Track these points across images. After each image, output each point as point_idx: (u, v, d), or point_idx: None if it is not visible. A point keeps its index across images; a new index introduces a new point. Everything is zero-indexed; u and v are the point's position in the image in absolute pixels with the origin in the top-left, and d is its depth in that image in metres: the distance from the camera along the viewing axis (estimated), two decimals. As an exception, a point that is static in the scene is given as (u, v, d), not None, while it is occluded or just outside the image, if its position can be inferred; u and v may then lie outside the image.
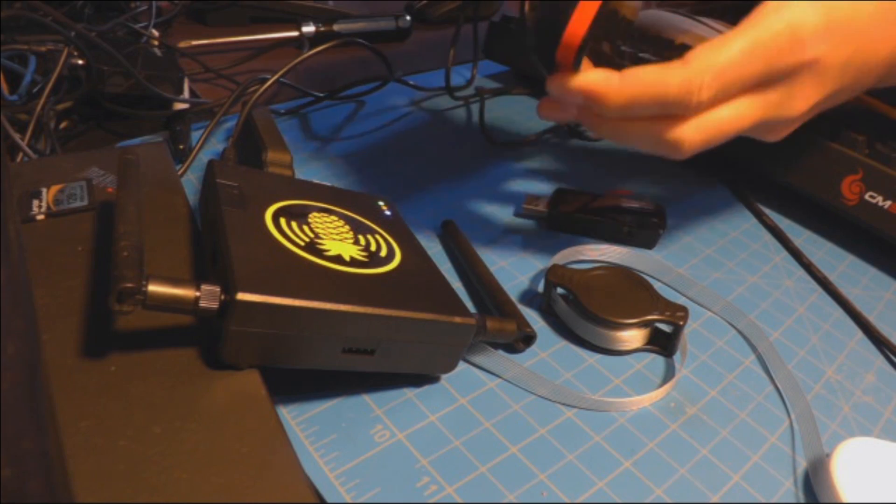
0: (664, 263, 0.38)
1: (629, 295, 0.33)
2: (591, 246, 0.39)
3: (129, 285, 0.21)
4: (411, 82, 0.56)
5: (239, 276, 0.23)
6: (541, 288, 0.36)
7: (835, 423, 0.31)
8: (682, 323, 0.32)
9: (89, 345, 0.25)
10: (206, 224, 0.30)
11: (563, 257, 0.38)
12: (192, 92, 0.51)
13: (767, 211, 0.45)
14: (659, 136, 0.30)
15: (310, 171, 0.45)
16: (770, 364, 0.33)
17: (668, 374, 0.32)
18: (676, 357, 0.33)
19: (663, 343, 0.33)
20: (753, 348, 0.34)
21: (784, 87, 0.30)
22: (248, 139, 0.41)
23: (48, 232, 0.30)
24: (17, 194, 0.32)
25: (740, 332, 0.35)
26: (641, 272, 0.39)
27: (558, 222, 0.41)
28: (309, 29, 0.64)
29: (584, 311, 0.32)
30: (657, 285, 0.38)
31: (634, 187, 0.47)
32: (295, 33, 0.63)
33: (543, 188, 0.45)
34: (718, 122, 0.30)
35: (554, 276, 0.34)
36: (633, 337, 0.32)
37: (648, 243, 0.40)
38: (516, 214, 0.43)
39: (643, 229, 0.40)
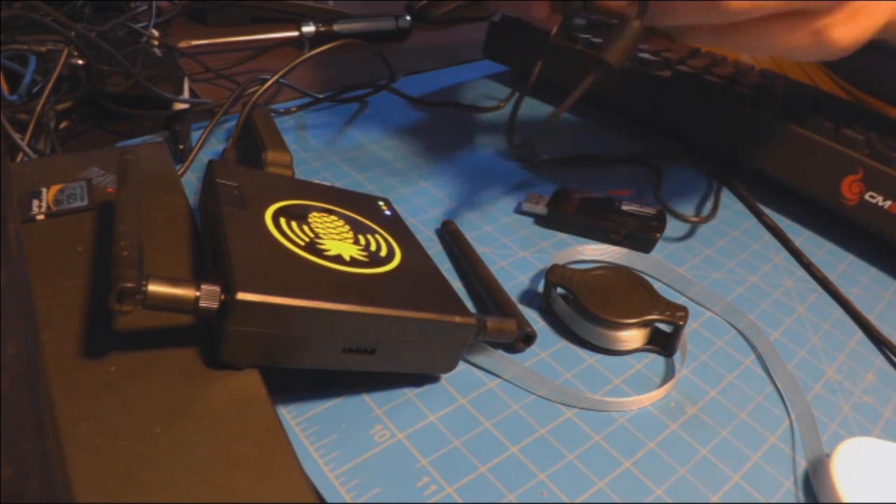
0: (664, 263, 0.38)
1: (629, 295, 0.33)
2: (592, 246, 0.39)
3: (129, 285, 0.21)
4: (408, 94, 0.55)
5: (239, 276, 0.23)
6: (541, 288, 0.36)
7: (835, 423, 0.31)
8: (682, 323, 0.32)
9: (89, 345, 0.25)
10: (206, 224, 0.30)
11: (563, 257, 0.38)
12: (192, 92, 0.51)
13: (767, 211, 0.45)
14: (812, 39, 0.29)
15: (310, 171, 0.45)
16: (770, 364, 0.33)
17: (668, 374, 0.32)
18: (676, 357, 0.33)
19: (663, 343, 0.33)
20: (753, 348, 0.34)
21: None
22: (248, 139, 0.41)
23: (48, 232, 0.30)
24: (17, 194, 0.32)
25: (740, 332, 0.35)
26: (641, 272, 0.39)
27: (558, 222, 0.41)
28: (309, 29, 0.64)
29: (584, 311, 0.32)
30: (657, 285, 0.38)
31: (635, 187, 0.47)
32: (295, 33, 0.63)
33: (544, 188, 0.45)
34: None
35: (554, 276, 0.34)
36: (633, 337, 0.32)
37: (645, 247, 0.40)
38: (516, 212, 0.43)
39: (641, 233, 0.40)
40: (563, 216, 0.41)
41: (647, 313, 0.32)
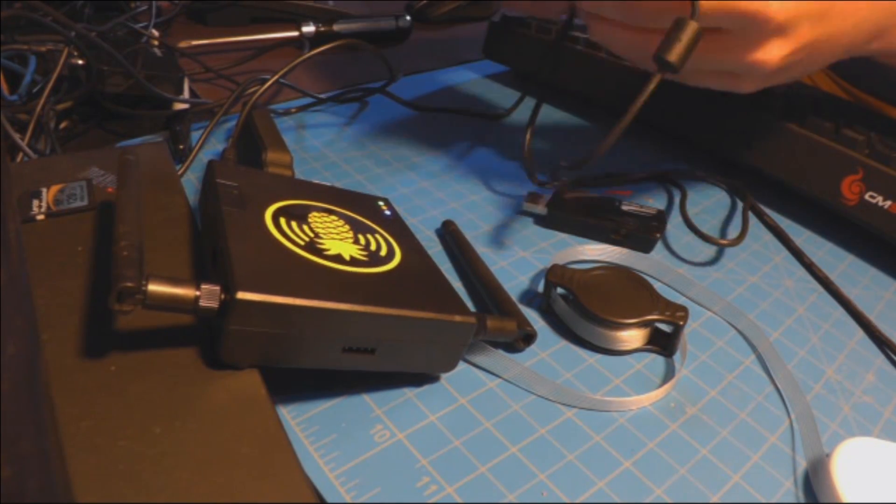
0: (664, 263, 0.38)
1: (629, 295, 0.33)
2: (592, 246, 0.39)
3: (129, 285, 0.21)
4: (404, 97, 0.55)
5: (239, 276, 0.23)
6: (541, 288, 0.36)
7: (835, 423, 0.31)
8: (682, 323, 0.32)
9: (89, 345, 0.25)
10: (206, 224, 0.30)
11: (563, 257, 0.38)
12: (192, 92, 0.51)
13: (767, 211, 0.45)
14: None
15: (310, 171, 0.45)
16: (770, 364, 0.33)
17: (668, 374, 0.32)
18: (676, 357, 0.33)
19: (663, 343, 0.33)
20: (753, 348, 0.34)
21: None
22: (248, 139, 0.41)
23: (48, 232, 0.30)
24: (17, 194, 0.32)
25: (740, 332, 0.35)
26: (641, 272, 0.39)
27: (558, 222, 0.41)
28: (309, 29, 0.64)
29: (584, 311, 0.32)
30: (657, 285, 0.38)
31: (635, 187, 0.47)
32: (295, 33, 0.63)
33: (544, 188, 0.45)
34: None
35: (554, 276, 0.34)
36: (633, 337, 0.32)
37: (645, 248, 0.40)
38: (516, 212, 0.43)
39: (640, 233, 0.40)
40: (562, 216, 0.41)
41: (648, 313, 0.32)
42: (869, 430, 0.31)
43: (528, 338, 0.32)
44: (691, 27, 0.29)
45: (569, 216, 0.41)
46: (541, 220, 0.42)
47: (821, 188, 0.42)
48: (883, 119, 0.45)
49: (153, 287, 0.22)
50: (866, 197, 0.40)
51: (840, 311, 0.38)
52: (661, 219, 0.41)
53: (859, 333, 0.36)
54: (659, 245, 0.41)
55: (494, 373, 0.31)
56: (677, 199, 0.46)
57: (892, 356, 0.35)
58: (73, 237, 0.30)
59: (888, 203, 0.39)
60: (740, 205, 0.46)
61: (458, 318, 0.27)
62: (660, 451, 0.28)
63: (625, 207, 0.41)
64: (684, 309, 0.32)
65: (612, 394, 0.31)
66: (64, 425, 0.22)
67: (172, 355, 0.25)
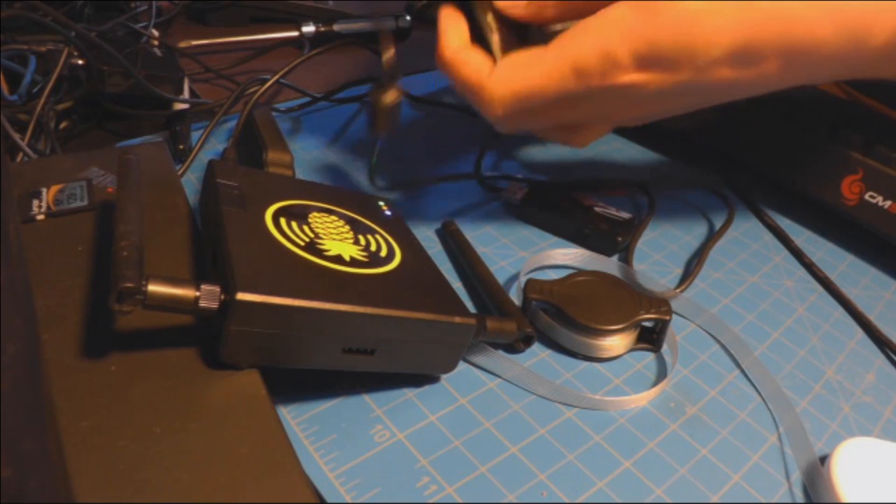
0: (648, 274, 0.38)
1: (613, 298, 0.33)
2: (560, 251, 0.38)
3: (129, 285, 0.21)
4: (413, 93, 0.55)
5: (239, 276, 0.23)
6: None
7: (835, 423, 0.31)
8: (668, 318, 0.31)
9: (89, 345, 0.25)
10: (206, 224, 0.30)
11: (530, 266, 0.37)
12: (192, 92, 0.51)
13: (767, 211, 0.45)
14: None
15: (310, 171, 0.45)
16: (770, 365, 0.33)
17: (668, 372, 0.32)
18: (667, 352, 0.33)
19: (650, 339, 0.33)
20: (753, 349, 0.34)
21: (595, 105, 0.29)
22: (248, 139, 0.41)
23: (48, 232, 0.30)
24: (17, 194, 0.32)
25: (740, 333, 0.35)
26: (624, 279, 0.38)
27: (529, 216, 0.41)
28: (309, 29, 0.64)
29: (574, 324, 0.31)
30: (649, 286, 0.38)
31: (634, 184, 0.46)
32: (295, 33, 0.63)
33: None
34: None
35: (534, 292, 0.32)
36: (624, 342, 0.32)
37: (606, 250, 0.39)
38: (500, 201, 0.43)
39: (602, 234, 0.39)
40: (533, 210, 0.41)
41: (636, 314, 0.32)
42: (869, 430, 0.31)
43: (528, 339, 0.32)
44: (381, 104, 0.33)
45: (539, 211, 0.41)
46: (514, 212, 0.42)
47: (821, 188, 0.42)
48: (883, 119, 0.45)
49: (153, 287, 0.22)
50: (866, 197, 0.40)
51: (840, 311, 0.38)
52: (630, 224, 0.40)
53: (859, 333, 0.36)
54: (658, 246, 0.41)
55: (494, 373, 0.31)
56: (675, 198, 0.46)
57: (892, 356, 0.35)
58: (73, 237, 0.30)
59: (888, 203, 0.39)
60: (740, 205, 0.46)
61: (457, 319, 0.27)
62: (660, 451, 0.28)
63: (598, 209, 0.41)
64: (667, 303, 0.32)
65: (612, 393, 0.31)
66: (64, 425, 0.22)
67: (172, 355, 0.25)
